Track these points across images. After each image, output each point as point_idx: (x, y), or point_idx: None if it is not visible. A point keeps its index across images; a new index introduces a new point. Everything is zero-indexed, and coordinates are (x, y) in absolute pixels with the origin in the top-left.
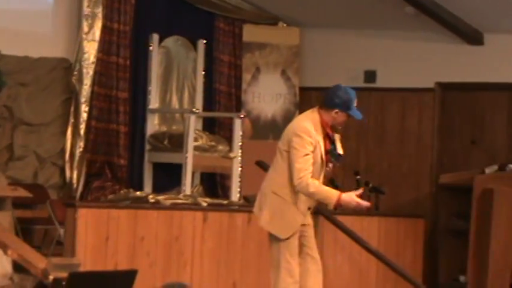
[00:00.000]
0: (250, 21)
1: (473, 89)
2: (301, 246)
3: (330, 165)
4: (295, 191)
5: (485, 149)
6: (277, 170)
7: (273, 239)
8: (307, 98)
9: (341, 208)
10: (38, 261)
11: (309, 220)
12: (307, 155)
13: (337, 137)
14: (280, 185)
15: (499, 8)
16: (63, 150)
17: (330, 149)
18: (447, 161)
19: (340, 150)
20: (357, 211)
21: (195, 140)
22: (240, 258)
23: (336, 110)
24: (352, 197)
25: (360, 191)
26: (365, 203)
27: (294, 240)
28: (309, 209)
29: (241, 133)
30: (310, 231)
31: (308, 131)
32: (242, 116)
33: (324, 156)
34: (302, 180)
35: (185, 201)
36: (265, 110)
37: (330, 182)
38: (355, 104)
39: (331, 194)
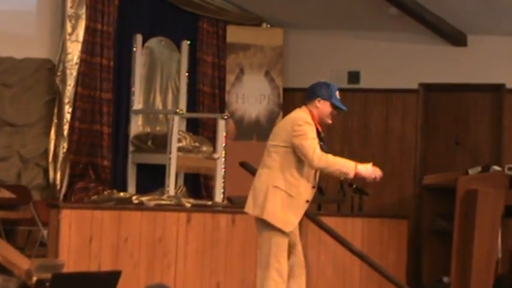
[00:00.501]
0: (234, 22)
1: (457, 90)
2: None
3: None
4: (296, 184)
5: (468, 150)
6: (273, 168)
7: (265, 237)
8: (291, 99)
9: (358, 177)
10: (21, 262)
11: None
12: (313, 138)
13: None
14: (281, 180)
15: (483, 10)
16: (46, 151)
17: (320, 144)
18: (431, 162)
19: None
20: (340, 212)
21: (179, 141)
22: (224, 259)
23: (318, 99)
24: (367, 169)
25: (371, 164)
26: (379, 173)
27: (286, 239)
28: (307, 201)
29: (225, 134)
30: (295, 231)
31: (308, 121)
32: (226, 117)
33: None
34: (318, 154)
35: (169, 202)
36: (249, 111)
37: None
38: (337, 95)
39: (350, 163)
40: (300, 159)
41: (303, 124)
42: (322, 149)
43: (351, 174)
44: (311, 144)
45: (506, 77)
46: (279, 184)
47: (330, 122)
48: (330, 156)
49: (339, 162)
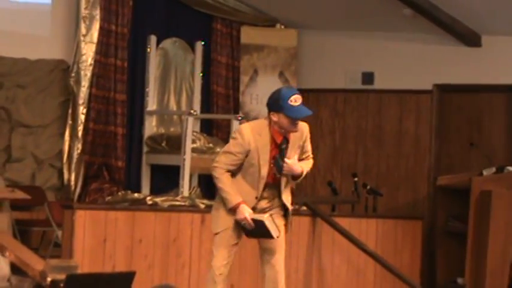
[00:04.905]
0: (248, 23)
1: (471, 91)
2: (262, 251)
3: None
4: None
5: (483, 151)
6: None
7: None
8: (305, 99)
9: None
10: (35, 263)
11: (276, 222)
12: (231, 153)
13: (294, 143)
14: None
15: (497, 10)
16: (61, 152)
17: (275, 156)
18: (445, 162)
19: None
20: (354, 213)
21: (193, 141)
22: (238, 260)
23: (272, 112)
24: (244, 213)
25: (268, 223)
26: (248, 226)
27: (225, 237)
28: (256, 198)
29: None
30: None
31: (242, 133)
32: (240, 117)
33: (260, 163)
34: (214, 170)
35: (183, 203)
36: (263, 112)
37: (328, 184)
38: (292, 102)
39: (232, 199)
40: (245, 167)
41: (234, 136)
42: (276, 162)
43: (227, 208)
44: (218, 158)
45: None
46: None
47: (294, 130)
48: (220, 181)
49: (223, 192)
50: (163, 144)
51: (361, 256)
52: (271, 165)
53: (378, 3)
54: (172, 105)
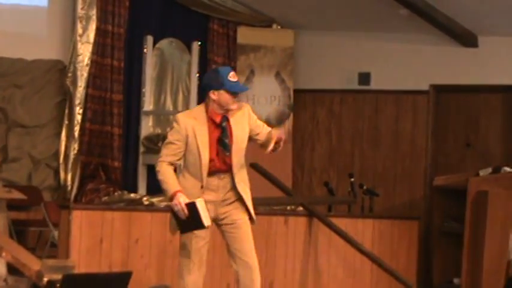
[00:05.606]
0: (245, 23)
1: (468, 91)
2: (233, 251)
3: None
4: (183, 181)
5: (479, 151)
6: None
7: None
8: (302, 100)
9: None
10: (32, 263)
11: (238, 216)
12: (170, 143)
13: (237, 122)
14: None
15: (494, 10)
16: (57, 152)
17: (219, 137)
18: (441, 163)
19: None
20: (351, 213)
21: None
22: None
23: (212, 91)
24: (179, 199)
25: (199, 206)
26: (182, 214)
27: (189, 240)
28: (201, 187)
29: None
30: (240, 231)
31: (178, 120)
32: None
33: (200, 147)
34: (157, 164)
35: None
36: (259, 112)
37: (325, 184)
38: (231, 78)
39: (170, 188)
40: (187, 158)
41: (173, 125)
42: (221, 142)
43: (167, 198)
44: (162, 154)
45: None
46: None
47: (234, 107)
48: (161, 174)
49: (163, 183)
50: (160, 144)
51: (358, 256)
52: (216, 149)
53: (374, 4)
54: (169, 106)
